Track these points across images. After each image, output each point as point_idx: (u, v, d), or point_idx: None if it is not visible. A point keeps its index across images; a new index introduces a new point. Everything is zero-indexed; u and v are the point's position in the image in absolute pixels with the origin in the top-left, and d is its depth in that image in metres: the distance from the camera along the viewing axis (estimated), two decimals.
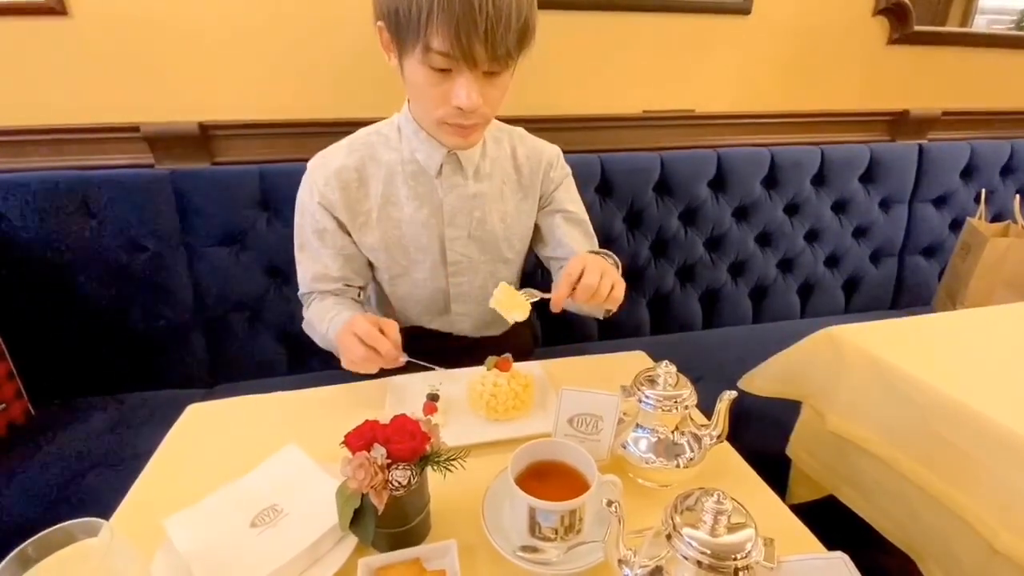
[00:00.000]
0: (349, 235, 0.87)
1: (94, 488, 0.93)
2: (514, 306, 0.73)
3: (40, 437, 1.04)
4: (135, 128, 1.20)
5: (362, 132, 0.87)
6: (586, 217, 0.96)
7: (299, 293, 0.93)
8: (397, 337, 0.74)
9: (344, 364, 0.76)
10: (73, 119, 1.20)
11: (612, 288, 0.71)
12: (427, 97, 0.71)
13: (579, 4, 1.33)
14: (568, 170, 0.96)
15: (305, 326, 0.92)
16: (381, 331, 0.72)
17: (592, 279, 0.70)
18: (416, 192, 0.85)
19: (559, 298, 0.71)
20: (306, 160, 0.86)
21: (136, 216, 1.16)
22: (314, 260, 0.88)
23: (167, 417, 0.74)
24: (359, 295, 0.93)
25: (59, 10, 1.12)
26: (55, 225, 1.13)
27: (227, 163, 1.28)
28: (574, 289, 0.70)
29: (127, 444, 1.03)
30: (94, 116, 1.21)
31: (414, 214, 0.85)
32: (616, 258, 0.87)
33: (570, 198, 0.95)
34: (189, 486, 0.58)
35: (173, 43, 1.19)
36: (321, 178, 0.83)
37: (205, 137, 1.25)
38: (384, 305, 0.98)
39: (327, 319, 0.84)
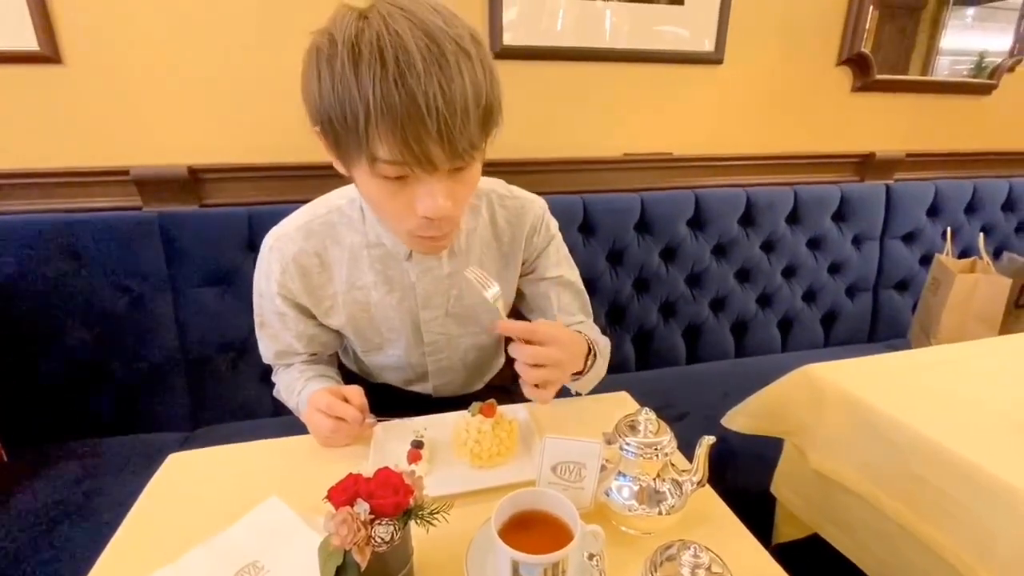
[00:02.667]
0: (314, 318, 0.82)
1: (70, 537, 0.90)
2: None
3: (14, 485, 1.01)
4: (125, 172, 1.22)
5: (321, 208, 0.77)
6: (575, 277, 0.90)
7: (264, 360, 0.88)
8: (362, 402, 0.72)
9: (319, 442, 0.74)
10: (64, 163, 1.21)
11: (543, 385, 0.65)
12: (387, 212, 0.63)
13: (563, 55, 1.40)
14: (553, 230, 0.87)
15: (276, 395, 0.89)
16: (345, 399, 0.71)
17: (541, 355, 0.63)
18: (385, 276, 0.78)
19: (504, 325, 0.64)
20: (294, 203, 0.83)
21: (122, 258, 1.17)
22: (275, 340, 0.83)
23: (146, 462, 0.74)
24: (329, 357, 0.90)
25: (54, 59, 1.15)
26: (40, 268, 1.13)
27: (215, 205, 1.29)
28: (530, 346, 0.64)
29: (104, 491, 1.00)
30: (85, 160, 1.22)
31: (384, 298, 0.79)
32: (597, 342, 0.81)
33: (556, 261, 0.88)
34: (168, 541, 0.57)
35: (163, 89, 1.22)
36: (278, 266, 0.76)
37: (194, 180, 1.26)
38: (360, 363, 0.94)
39: (295, 392, 0.82)
